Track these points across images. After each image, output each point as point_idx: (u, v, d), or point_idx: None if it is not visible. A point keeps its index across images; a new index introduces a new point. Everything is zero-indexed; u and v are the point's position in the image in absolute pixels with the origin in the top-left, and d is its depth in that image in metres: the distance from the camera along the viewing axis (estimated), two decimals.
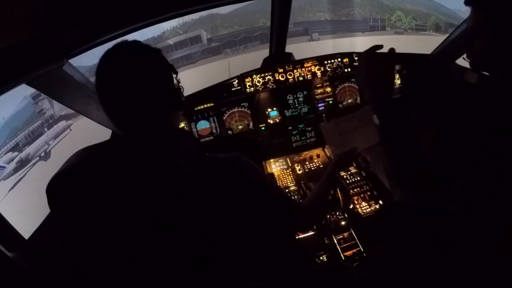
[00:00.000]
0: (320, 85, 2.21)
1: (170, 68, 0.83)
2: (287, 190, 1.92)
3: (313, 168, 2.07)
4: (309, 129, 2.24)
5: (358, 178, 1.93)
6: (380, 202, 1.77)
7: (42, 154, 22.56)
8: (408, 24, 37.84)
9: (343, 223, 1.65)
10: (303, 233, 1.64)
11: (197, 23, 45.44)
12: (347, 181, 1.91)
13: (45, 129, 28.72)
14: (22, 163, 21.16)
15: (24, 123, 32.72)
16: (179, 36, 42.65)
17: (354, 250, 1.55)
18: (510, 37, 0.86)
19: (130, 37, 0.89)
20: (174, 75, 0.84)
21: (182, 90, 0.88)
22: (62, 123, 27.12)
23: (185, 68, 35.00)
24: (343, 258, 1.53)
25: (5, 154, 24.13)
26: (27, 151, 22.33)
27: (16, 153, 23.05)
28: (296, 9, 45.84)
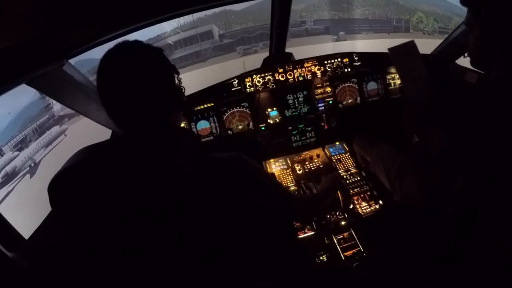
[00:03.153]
0: (320, 85, 2.21)
1: (172, 68, 0.83)
2: (287, 189, 1.92)
3: (313, 168, 2.07)
4: (309, 129, 2.24)
5: (358, 178, 1.93)
6: (380, 202, 1.77)
7: (32, 165, 20.34)
8: (431, 26, 35.75)
9: (343, 223, 1.65)
10: (303, 233, 1.64)
11: (210, 19, 42.68)
12: (347, 181, 1.91)
13: (42, 130, 27.72)
14: (8, 178, 18.93)
15: (37, 113, 32.02)
16: (188, 32, 38.16)
17: (354, 250, 1.55)
18: (492, 32, 0.90)
19: (131, 36, 0.89)
20: (176, 75, 0.84)
21: (183, 90, 0.88)
22: (56, 129, 24.80)
23: (193, 67, 32.28)
24: (343, 258, 1.53)
25: (12, 148, 22.99)
26: (13, 164, 19.96)
27: (16, 152, 21.78)
28: (311, 7, 44.67)
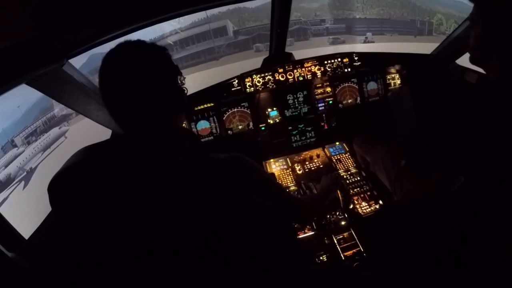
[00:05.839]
0: (320, 85, 2.21)
1: (174, 68, 0.83)
2: (287, 190, 1.92)
3: (313, 168, 2.07)
4: (309, 129, 2.24)
5: (358, 178, 1.93)
6: (380, 202, 1.77)
7: (29, 170, 18.07)
8: (453, 29, 33.64)
9: (343, 223, 1.65)
10: (303, 233, 1.64)
11: (224, 16, 39.72)
12: (347, 181, 1.91)
13: (51, 124, 26.99)
14: (2, 186, 16.62)
15: (51, 105, 30.57)
16: (201, 27, 34.89)
17: (354, 250, 1.55)
18: (493, 31, 0.91)
19: (131, 36, 0.89)
20: (178, 75, 0.84)
21: (185, 91, 0.88)
22: (55, 131, 22.98)
23: (205, 66, 29.69)
24: (343, 258, 1.53)
25: (24, 140, 22.18)
26: (7, 171, 17.56)
27: (21, 148, 20.46)
28: (325, 6, 43.37)
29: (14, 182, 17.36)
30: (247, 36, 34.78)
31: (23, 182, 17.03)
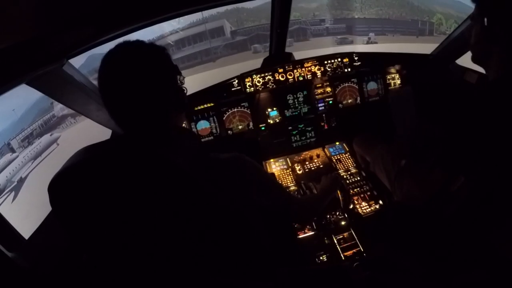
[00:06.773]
0: (320, 85, 2.21)
1: (174, 68, 0.83)
2: (287, 190, 1.92)
3: (313, 168, 2.07)
4: (309, 129, 2.24)
5: (358, 178, 1.93)
6: (380, 202, 1.77)
7: (19, 180, 16.81)
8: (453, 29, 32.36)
9: (343, 223, 1.65)
10: (303, 233, 1.64)
11: (222, 16, 38.16)
12: (347, 181, 1.91)
13: (47, 126, 26.73)
14: None
15: (49, 106, 29.84)
16: (197, 27, 33.49)
17: (354, 250, 1.55)
18: (492, 30, 0.91)
19: (132, 36, 0.89)
20: (178, 75, 0.84)
21: (185, 91, 0.88)
22: (46, 138, 21.71)
23: (202, 68, 28.29)
24: (343, 258, 1.53)
25: (20, 143, 21.94)
26: None
27: (15, 154, 19.67)
28: (324, 6, 42.72)
29: (4, 193, 16.16)
30: (245, 37, 33.66)
31: (13, 193, 16.06)
